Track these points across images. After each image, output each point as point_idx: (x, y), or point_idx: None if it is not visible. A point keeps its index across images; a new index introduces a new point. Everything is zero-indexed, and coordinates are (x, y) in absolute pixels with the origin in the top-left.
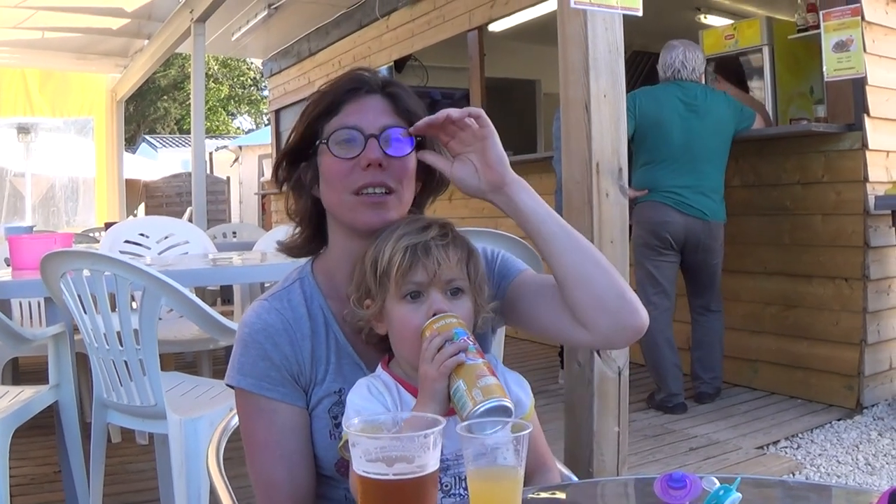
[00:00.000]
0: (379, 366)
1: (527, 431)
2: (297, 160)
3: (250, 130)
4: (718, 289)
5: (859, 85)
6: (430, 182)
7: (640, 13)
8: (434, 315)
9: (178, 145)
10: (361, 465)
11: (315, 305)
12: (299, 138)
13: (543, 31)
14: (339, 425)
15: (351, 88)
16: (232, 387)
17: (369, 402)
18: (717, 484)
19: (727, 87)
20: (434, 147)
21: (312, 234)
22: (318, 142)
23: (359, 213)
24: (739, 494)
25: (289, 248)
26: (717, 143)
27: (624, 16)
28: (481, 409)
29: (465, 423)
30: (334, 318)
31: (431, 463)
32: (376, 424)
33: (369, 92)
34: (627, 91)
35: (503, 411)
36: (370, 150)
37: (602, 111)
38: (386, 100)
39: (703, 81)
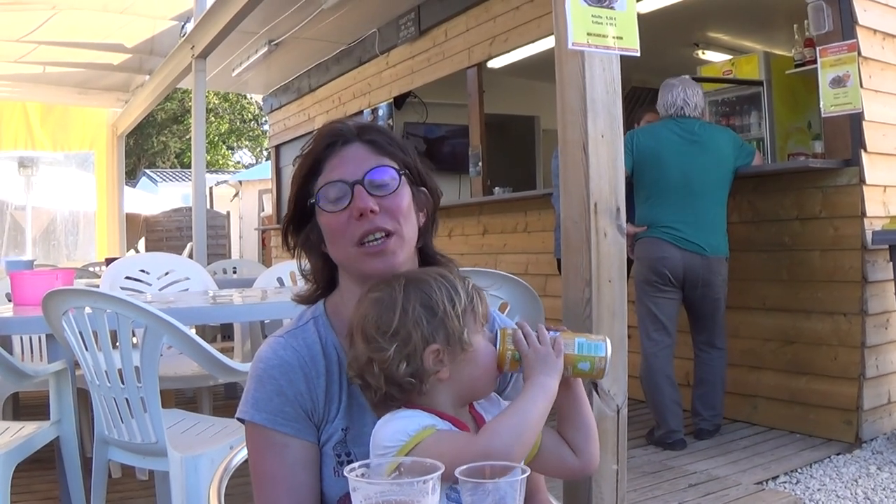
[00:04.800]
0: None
1: (524, 475)
2: (301, 223)
3: (250, 165)
4: (722, 325)
5: (856, 120)
6: (432, 210)
7: (637, 54)
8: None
9: (178, 179)
10: None
11: (329, 345)
12: (294, 203)
13: (542, 68)
14: (342, 463)
15: (328, 144)
16: (243, 421)
17: (415, 412)
18: None
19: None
20: (422, 175)
21: (326, 285)
22: (309, 203)
23: (366, 264)
24: None
25: (304, 300)
26: (717, 178)
27: (622, 55)
28: (609, 341)
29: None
30: (347, 357)
31: None
32: (377, 469)
33: (346, 143)
34: (626, 128)
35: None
36: (359, 199)
37: (600, 152)
38: (365, 145)
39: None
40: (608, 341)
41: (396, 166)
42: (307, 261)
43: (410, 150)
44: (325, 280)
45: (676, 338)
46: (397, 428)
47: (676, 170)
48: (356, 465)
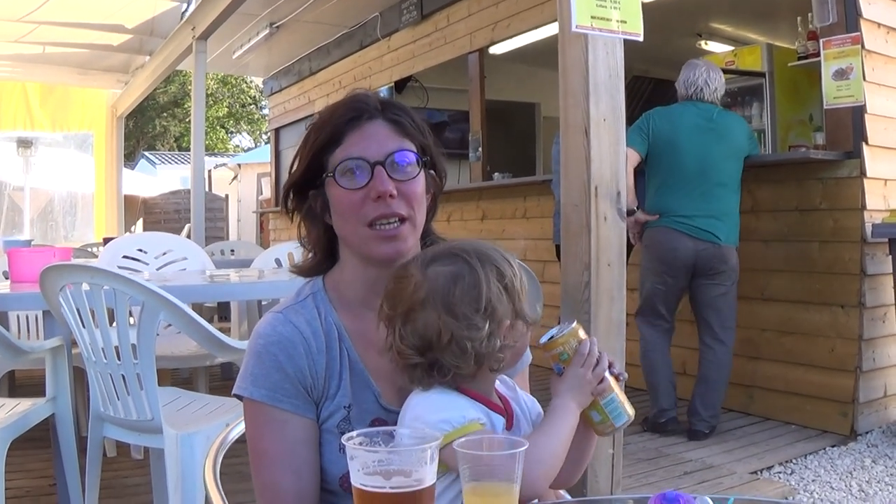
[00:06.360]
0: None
1: (523, 448)
2: (304, 189)
3: (249, 149)
4: (729, 317)
5: (858, 113)
6: (437, 193)
7: (641, 38)
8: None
9: (177, 162)
10: (359, 479)
11: (329, 321)
12: (304, 169)
13: (544, 55)
14: None
15: (351, 117)
16: (240, 397)
17: (459, 399)
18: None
19: None
20: (434, 158)
21: (325, 256)
22: (324, 175)
23: (374, 246)
24: None
25: (303, 270)
26: (733, 166)
27: (625, 40)
28: (628, 418)
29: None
30: (347, 334)
31: (429, 477)
32: (374, 438)
33: (370, 118)
34: (627, 115)
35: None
36: (379, 181)
37: (601, 135)
38: (388, 124)
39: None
40: (629, 419)
41: (416, 150)
42: (306, 230)
43: (428, 133)
44: (323, 250)
45: (675, 325)
46: (442, 417)
47: (693, 157)
48: (354, 433)
